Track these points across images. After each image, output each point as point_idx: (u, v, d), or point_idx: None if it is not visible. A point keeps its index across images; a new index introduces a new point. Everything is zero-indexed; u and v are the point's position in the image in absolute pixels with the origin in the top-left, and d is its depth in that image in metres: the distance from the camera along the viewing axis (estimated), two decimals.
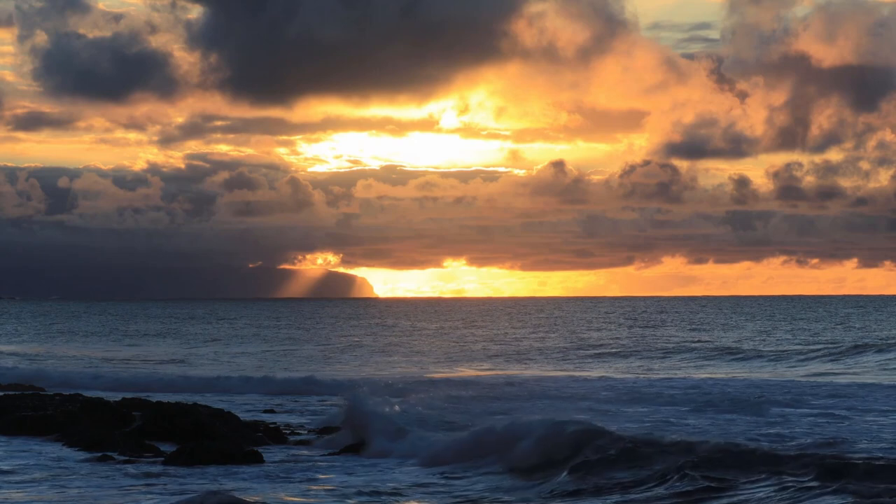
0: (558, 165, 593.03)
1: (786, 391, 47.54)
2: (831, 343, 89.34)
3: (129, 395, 43.51)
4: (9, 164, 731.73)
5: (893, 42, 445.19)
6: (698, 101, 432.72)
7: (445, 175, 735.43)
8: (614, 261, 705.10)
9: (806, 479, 22.04)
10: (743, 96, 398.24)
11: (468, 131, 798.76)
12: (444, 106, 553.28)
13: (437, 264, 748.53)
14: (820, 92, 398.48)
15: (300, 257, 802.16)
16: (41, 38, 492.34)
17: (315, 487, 25.10)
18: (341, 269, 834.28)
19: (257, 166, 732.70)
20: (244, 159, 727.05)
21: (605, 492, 23.77)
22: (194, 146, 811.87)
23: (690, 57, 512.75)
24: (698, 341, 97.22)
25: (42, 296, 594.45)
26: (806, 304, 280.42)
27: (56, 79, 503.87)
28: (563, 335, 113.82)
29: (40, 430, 34.01)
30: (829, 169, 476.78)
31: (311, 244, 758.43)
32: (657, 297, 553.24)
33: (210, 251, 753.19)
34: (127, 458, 29.10)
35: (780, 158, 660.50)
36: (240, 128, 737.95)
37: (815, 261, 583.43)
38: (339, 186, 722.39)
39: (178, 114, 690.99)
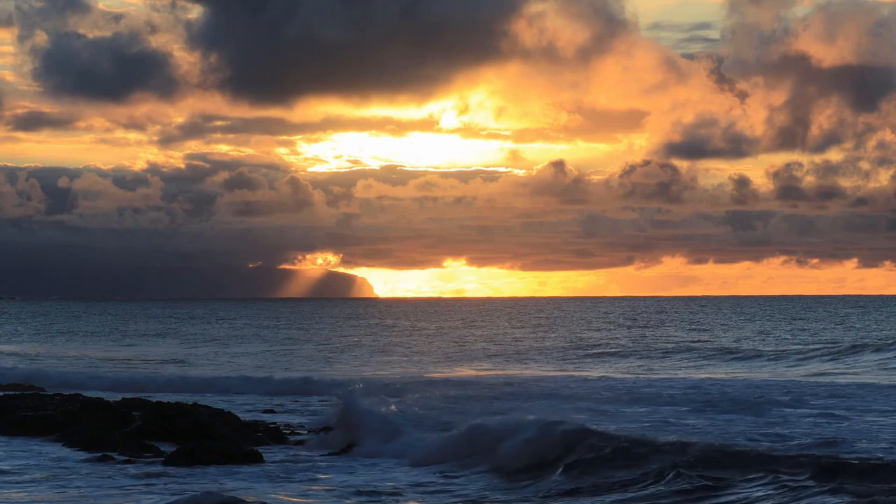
0: (558, 165, 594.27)
1: (785, 391, 47.53)
2: (831, 343, 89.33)
3: (129, 395, 43.53)
4: (9, 164, 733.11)
5: (893, 42, 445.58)
6: (698, 101, 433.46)
7: (445, 175, 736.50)
8: (614, 261, 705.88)
9: (802, 478, 22.07)
10: (743, 96, 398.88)
11: (468, 131, 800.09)
12: (444, 106, 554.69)
13: (437, 264, 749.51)
14: (820, 92, 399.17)
15: (300, 257, 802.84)
16: (41, 38, 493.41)
17: (315, 487, 25.13)
18: (341, 269, 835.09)
19: (257, 166, 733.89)
20: (244, 159, 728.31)
21: (603, 491, 23.80)
22: (194, 146, 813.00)
23: (690, 57, 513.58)
24: (698, 341, 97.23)
25: (42, 296, 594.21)
26: (806, 304, 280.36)
27: (56, 79, 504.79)
28: (563, 335, 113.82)
29: (40, 430, 34.01)
30: (829, 169, 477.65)
31: (311, 244, 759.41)
32: (657, 297, 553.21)
33: (210, 251, 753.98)
34: (127, 458, 29.12)
35: (780, 158, 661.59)
36: (240, 128, 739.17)
37: (815, 261, 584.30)
38: (339, 186, 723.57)
39: (178, 114, 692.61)
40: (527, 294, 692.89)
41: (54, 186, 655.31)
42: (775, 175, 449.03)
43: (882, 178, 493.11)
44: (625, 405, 42.13)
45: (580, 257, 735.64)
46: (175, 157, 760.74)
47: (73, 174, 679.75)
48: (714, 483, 22.73)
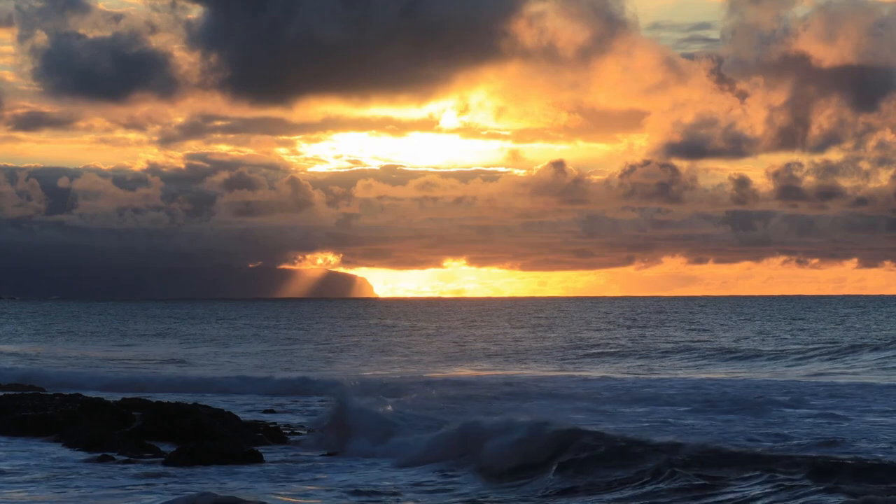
0: (558, 165, 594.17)
1: (785, 391, 47.57)
2: (831, 343, 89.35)
3: (129, 395, 43.54)
4: (9, 164, 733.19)
5: (893, 42, 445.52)
6: (698, 101, 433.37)
7: (445, 175, 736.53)
8: (614, 261, 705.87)
9: (799, 477, 22.09)
10: (743, 96, 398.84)
11: (468, 131, 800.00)
12: (444, 106, 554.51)
13: (437, 264, 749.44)
14: (820, 92, 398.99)
15: (300, 257, 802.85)
16: (41, 38, 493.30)
17: (315, 487, 25.15)
18: (341, 269, 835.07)
19: (257, 166, 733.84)
20: (244, 159, 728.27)
21: (599, 490, 23.79)
22: (194, 146, 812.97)
23: (690, 57, 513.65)
24: (698, 341, 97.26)
25: (42, 296, 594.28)
26: (806, 304, 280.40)
27: (56, 79, 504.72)
28: (563, 335, 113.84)
29: (40, 430, 34.01)
30: (829, 169, 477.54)
31: (311, 244, 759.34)
32: (657, 297, 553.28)
33: (210, 251, 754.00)
34: (127, 458, 29.14)
35: (780, 158, 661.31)
36: (240, 128, 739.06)
37: (815, 261, 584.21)
38: (339, 186, 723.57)
39: (178, 114, 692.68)
40: (527, 294, 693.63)
41: (54, 186, 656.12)
42: (775, 175, 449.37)
43: (882, 178, 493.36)
44: (624, 405, 42.18)
45: (580, 257, 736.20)
46: (175, 157, 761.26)
47: (73, 174, 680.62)
48: (710, 482, 22.75)
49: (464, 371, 65.69)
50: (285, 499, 23.56)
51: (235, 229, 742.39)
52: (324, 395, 50.77)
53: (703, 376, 58.97)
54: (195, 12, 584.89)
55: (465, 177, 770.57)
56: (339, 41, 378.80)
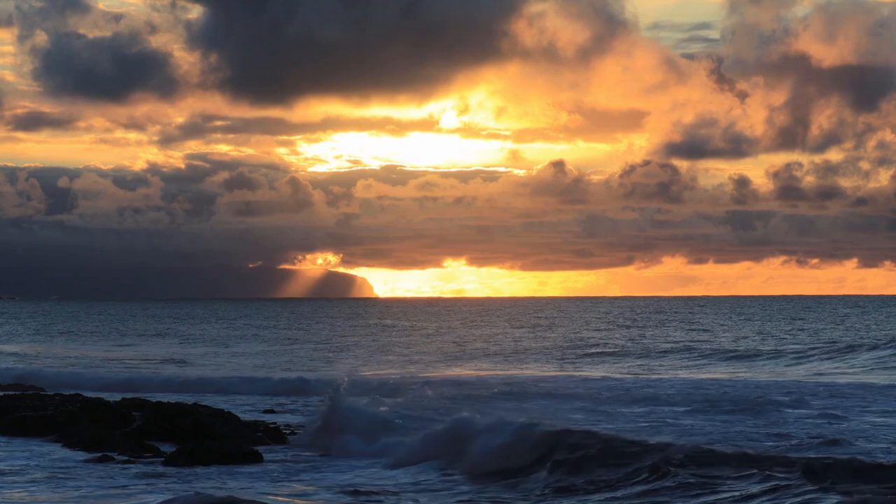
0: (558, 165, 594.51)
1: (785, 391, 47.56)
2: (830, 342, 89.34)
3: (129, 395, 43.55)
4: (9, 164, 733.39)
5: (893, 42, 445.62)
6: (698, 101, 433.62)
7: (445, 175, 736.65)
8: (614, 261, 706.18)
9: (794, 477, 22.10)
10: (743, 96, 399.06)
11: (468, 131, 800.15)
12: (444, 106, 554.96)
13: (437, 264, 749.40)
14: (820, 92, 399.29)
15: (300, 257, 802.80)
16: (41, 38, 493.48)
17: (315, 487, 25.16)
18: (341, 269, 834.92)
19: (257, 166, 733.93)
20: (244, 159, 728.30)
21: (596, 488, 23.81)
22: (194, 146, 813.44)
23: (690, 57, 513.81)
24: (697, 341, 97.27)
25: (42, 296, 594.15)
26: (806, 304, 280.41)
27: (56, 79, 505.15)
28: (563, 335, 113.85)
29: (40, 430, 34.02)
30: (829, 169, 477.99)
31: (311, 244, 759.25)
32: (657, 297, 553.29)
33: (210, 251, 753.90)
34: (127, 458, 29.15)
35: (780, 158, 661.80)
36: (240, 128, 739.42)
37: (815, 261, 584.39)
38: (339, 186, 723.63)
39: (178, 114, 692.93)
40: (527, 294, 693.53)
41: (54, 186, 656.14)
42: (775, 175, 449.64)
43: (882, 178, 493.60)
44: (624, 405, 42.19)
45: (580, 257, 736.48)
46: (175, 157, 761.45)
47: (73, 174, 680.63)
48: (705, 481, 22.77)
49: (463, 371, 65.69)
50: (285, 499, 23.58)
51: (235, 229, 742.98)
52: (324, 395, 50.83)
53: (703, 376, 58.97)
54: (195, 12, 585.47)
55: (465, 177, 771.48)
56: (339, 41, 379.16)
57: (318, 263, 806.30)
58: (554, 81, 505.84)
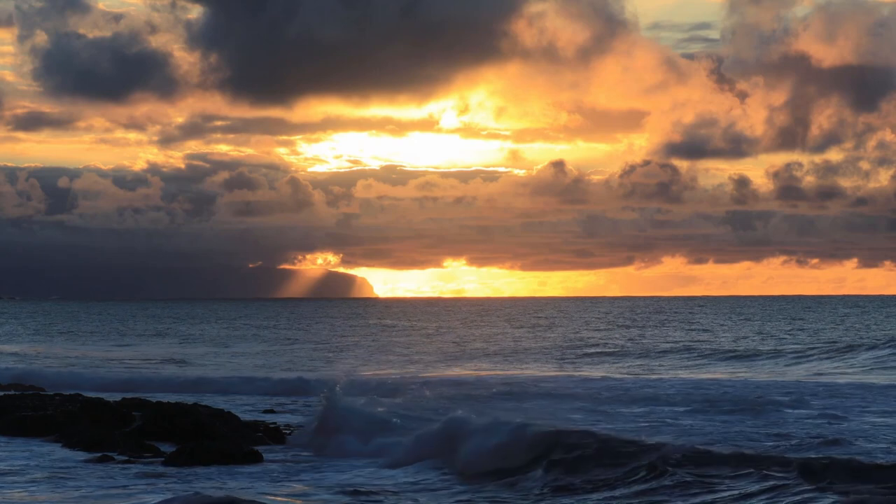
0: (558, 165, 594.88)
1: (785, 391, 47.56)
2: (830, 342, 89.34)
3: (129, 395, 43.56)
4: (9, 164, 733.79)
5: (893, 42, 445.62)
6: (698, 101, 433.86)
7: (445, 175, 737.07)
8: (614, 261, 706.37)
9: (791, 477, 22.12)
10: (743, 96, 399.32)
11: (468, 131, 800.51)
12: (444, 106, 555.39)
13: (437, 264, 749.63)
14: (820, 92, 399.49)
15: (300, 257, 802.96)
16: (41, 38, 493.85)
17: (315, 487, 25.17)
18: (341, 269, 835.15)
19: (257, 166, 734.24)
20: (244, 159, 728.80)
21: (596, 488, 23.81)
22: (194, 146, 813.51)
23: (690, 57, 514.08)
24: (697, 341, 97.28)
25: (42, 296, 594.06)
26: (806, 304, 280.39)
27: (56, 79, 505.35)
28: (562, 335, 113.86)
29: (40, 431, 34.03)
30: (829, 169, 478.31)
31: (311, 244, 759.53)
32: (657, 297, 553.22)
33: (210, 251, 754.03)
34: (127, 458, 29.16)
35: (780, 158, 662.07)
36: (240, 128, 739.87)
37: (815, 261, 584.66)
38: (339, 186, 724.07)
39: (178, 114, 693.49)
40: (527, 294, 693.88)
41: (54, 186, 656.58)
42: (775, 175, 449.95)
43: (882, 178, 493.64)
44: (623, 405, 42.19)
45: (580, 257, 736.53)
46: (175, 157, 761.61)
47: (73, 174, 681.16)
48: (703, 480, 22.79)
49: (463, 371, 65.69)
50: (285, 499, 23.59)
51: (235, 229, 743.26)
52: (321, 395, 50.85)
53: (703, 376, 58.97)
54: (195, 12, 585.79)
55: (465, 177, 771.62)
56: (339, 41, 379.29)
57: (318, 263, 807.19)
58: (554, 81, 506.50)
